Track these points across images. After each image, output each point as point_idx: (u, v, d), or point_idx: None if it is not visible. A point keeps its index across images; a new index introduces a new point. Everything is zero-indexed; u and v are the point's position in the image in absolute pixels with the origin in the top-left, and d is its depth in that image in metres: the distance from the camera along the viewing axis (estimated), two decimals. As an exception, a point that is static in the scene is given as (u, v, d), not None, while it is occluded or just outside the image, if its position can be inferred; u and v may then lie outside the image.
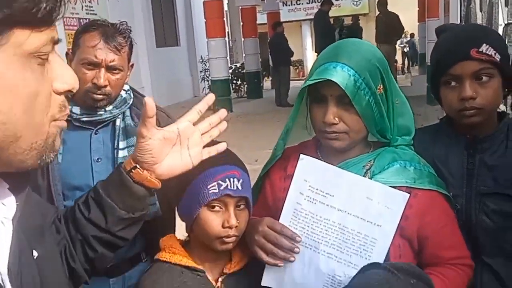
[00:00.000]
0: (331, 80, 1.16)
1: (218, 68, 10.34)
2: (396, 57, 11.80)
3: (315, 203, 1.22)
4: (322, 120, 1.21)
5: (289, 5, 19.31)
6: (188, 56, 13.97)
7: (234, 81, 12.74)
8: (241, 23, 13.37)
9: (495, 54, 1.35)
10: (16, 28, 0.64)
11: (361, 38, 12.56)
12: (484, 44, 1.34)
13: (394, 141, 1.28)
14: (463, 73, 1.35)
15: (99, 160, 1.61)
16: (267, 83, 14.31)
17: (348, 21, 13.46)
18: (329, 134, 1.23)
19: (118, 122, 1.63)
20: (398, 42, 13.11)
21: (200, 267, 1.24)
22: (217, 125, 1.07)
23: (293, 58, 12.64)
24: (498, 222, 1.38)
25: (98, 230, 0.99)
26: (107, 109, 1.62)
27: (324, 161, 1.30)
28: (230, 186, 1.21)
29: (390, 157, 1.27)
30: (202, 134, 1.04)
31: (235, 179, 1.22)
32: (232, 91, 11.55)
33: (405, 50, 18.71)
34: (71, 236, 1.01)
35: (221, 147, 1.09)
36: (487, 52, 1.34)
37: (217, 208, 1.23)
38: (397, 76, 11.74)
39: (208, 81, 11.39)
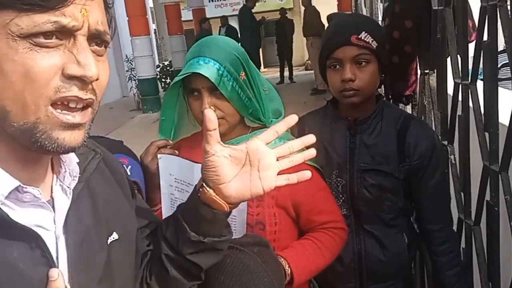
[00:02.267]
0: (198, 73, 1.30)
1: (144, 67, 10.19)
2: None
3: (183, 192, 1.37)
4: (200, 110, 1.34)
5: (215, 1, 19.27)
6: (114, 55, 13.66)
7: (163, 79, 12.60)
8: (166, 20, 13.24)
9: (372, 41, 1.50)
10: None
11: (293, 30, 12.88)
12: (363, 32, 1.49)
13: (269, 123, 1.43)
14: (344, 57, 1.50)
15: None
16: (196, 80, 14.22)
17: (276, 16, 13.62)
18: None
19: None
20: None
21: None
22: (301, 151, 0.97)
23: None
24: (375, 194, 1.53)
25: (170, 249, 0.96)
26: None
27: None
28: None
29: None
30: (279, 159, 0.95)
31: (124, 166, 1.30)
32: (161, 89, 11.43)
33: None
34: (153, 252, 0.99)
35: (306, 174, 0.97)
36: (365, 39, 1.49)
37: None
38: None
39: (135, 80, 11.18)
